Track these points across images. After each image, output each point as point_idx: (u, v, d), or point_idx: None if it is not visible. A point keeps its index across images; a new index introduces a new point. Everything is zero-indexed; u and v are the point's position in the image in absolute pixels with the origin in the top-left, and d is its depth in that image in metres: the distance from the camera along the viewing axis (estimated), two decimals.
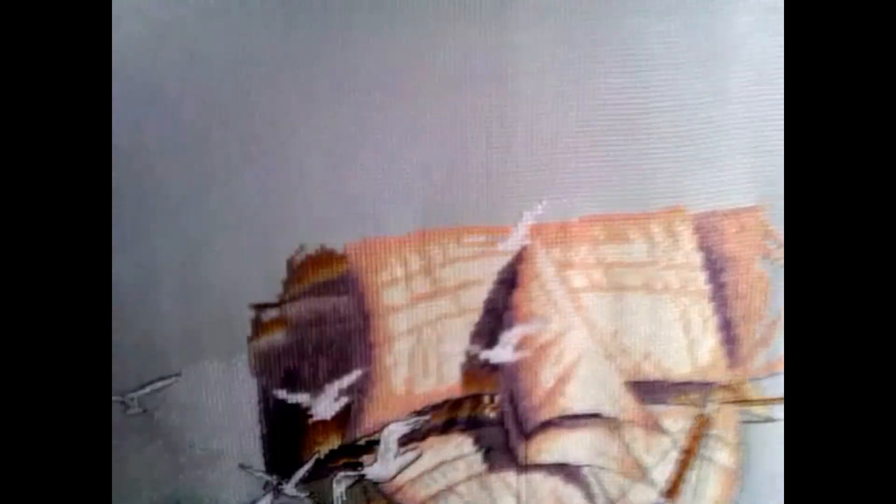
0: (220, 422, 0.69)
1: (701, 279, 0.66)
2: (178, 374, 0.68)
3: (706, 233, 0.66)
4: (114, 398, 0.67)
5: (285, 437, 0.69)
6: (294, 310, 0.67)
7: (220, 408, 0.68)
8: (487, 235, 0.65)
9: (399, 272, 0.66)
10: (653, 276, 0.66)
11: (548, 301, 0.67)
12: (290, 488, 0.70)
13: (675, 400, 0.69)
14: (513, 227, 0.65)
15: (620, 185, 0.64)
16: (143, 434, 0.69)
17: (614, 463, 0.70)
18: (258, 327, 0.67)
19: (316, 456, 0.69)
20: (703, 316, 0.67)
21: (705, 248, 0.66)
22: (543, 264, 0.66)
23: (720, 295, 0.67)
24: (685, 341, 0.67)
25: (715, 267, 0.66)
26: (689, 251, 0.66)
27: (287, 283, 0.66)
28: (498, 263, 0.66)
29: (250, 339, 0.67)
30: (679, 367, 0.68)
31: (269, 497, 0.71)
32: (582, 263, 0.66)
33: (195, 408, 0.68)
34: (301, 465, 0.70)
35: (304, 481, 0.70)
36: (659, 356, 0.67)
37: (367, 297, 0.66)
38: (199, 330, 0.66)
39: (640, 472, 0.70)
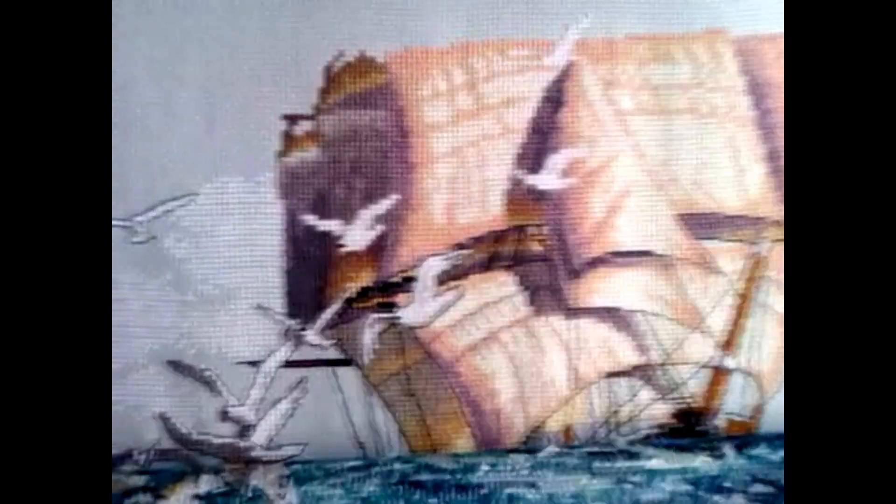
0: (239, 252, 0.62)
1: (745, 104, 0.66)
2: (194, 194, 0.62)
3: (747, 56, 0.66)
4: (117, 223, 0.61)
5: (312, 271, 0.63)
6: (329, 123, 0.63)
7: (240, 235, 0.62)
8: (532, 48, 0.64)
9: (442, 85, 0.63)
10: (699, 99, 0.65)
11: (595, 121, 0.64)
12: (313, 335, 0.62)
13: (729, 235, 0.66)
14: (558, 39, 0.64)
15: (664, 4, 0.65)
16: (147, 268, 0.61)
17: (669, 308, 0.65)
18: (289, 141, 0.62)
19: (347, 294, 0.62)
20: (749, 144, 0.66)
21: (747, 71, 0.66)
22: (590, 81, 0.64)
23: (765, 122, 0.66)
24: (734, 170, 0.65)
25: (758, 92, 0.66)
26: (732, 73, 0.66)
27: (323, 93, 0.62)
28: (543, 79, 0.64)
29: (280, 155, 0.62)
30: (730, 198, 0.65)
31: (287, 346, 0.62)
32: (629, 83, 0.65)
33: (211, 234, 0.62)
34: (326, 306, 0.62)
35: (330, 326, 0.63)
36: (709, 185, 0.65)
37: (408, 112, 0.63)
38: (222, 142, 0.62)
39: (696, 319, 0.65)
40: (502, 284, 0.65)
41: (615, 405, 0.66)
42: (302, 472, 0.62)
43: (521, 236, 0.65)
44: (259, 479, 0.61)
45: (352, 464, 0.63)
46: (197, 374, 0.62)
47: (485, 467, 0.63)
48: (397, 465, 0.63)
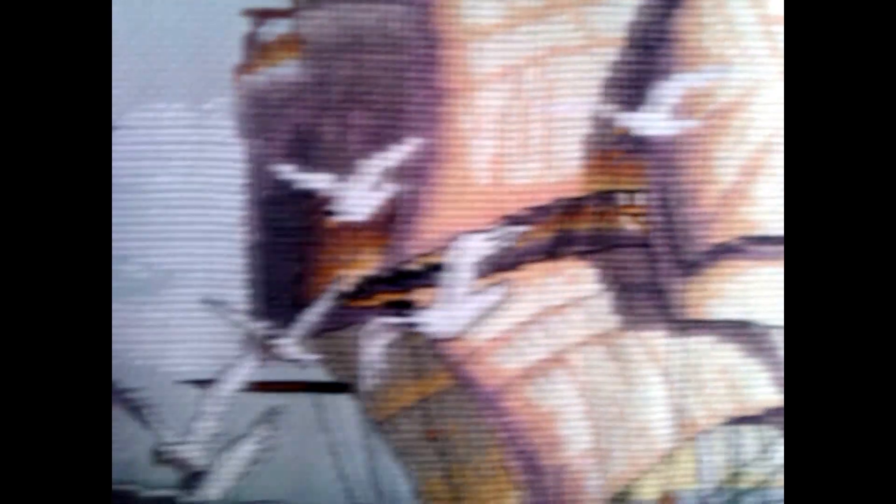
0: (178, 217, 0.44)
1: None
2: (113, 128, 0.44)
3: None
4: None
5: (287, 250, 0.45)
6: (316, 22, 0.44)
7: (180, 190, 0.44)
8: None
9: None
10: None
11: (730, 32, 0.44)
12: (289, 345, 0.44)
13: None
14: None
15: None
16: None
17: None
18: (255, 50, 0.44)
19: (339, 287, 0.43)
20: None
21: None
22: None
23: None
24: None
25: None
26: None
27: None
28: None
29: (241, 71, 0.44)
30: None
31: (251, 360, 0.44)
32: None
33: (138, 189, 0.44)
34: (308, 303, 0.43)
35: (314, 333, 0.44)
36: None
37: (438, 10, 0.44)
38: (153, 53, 0.43)
39: None
40: (574, 280, 0.46)
41: (739, 465, 0.47)
42: None
43: (606, 209, 0.46)
44: None
45: None
46: (119, 396, 0.44)
47: None
48: None
